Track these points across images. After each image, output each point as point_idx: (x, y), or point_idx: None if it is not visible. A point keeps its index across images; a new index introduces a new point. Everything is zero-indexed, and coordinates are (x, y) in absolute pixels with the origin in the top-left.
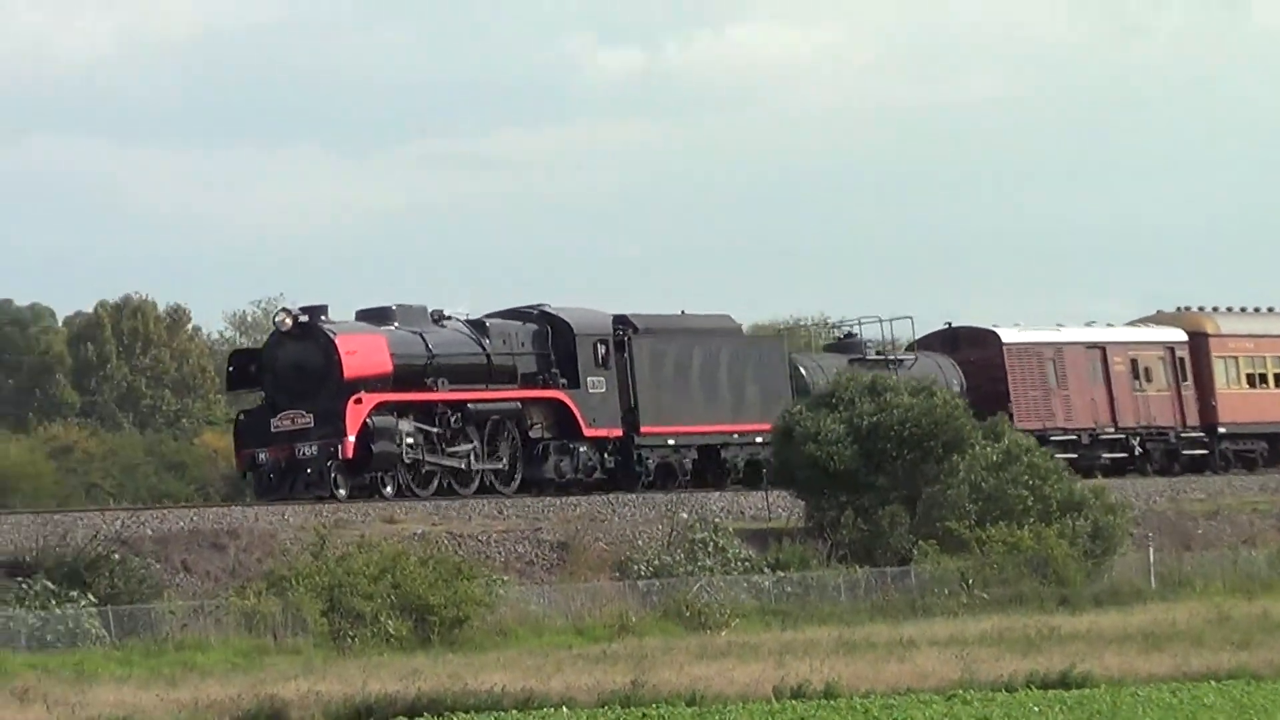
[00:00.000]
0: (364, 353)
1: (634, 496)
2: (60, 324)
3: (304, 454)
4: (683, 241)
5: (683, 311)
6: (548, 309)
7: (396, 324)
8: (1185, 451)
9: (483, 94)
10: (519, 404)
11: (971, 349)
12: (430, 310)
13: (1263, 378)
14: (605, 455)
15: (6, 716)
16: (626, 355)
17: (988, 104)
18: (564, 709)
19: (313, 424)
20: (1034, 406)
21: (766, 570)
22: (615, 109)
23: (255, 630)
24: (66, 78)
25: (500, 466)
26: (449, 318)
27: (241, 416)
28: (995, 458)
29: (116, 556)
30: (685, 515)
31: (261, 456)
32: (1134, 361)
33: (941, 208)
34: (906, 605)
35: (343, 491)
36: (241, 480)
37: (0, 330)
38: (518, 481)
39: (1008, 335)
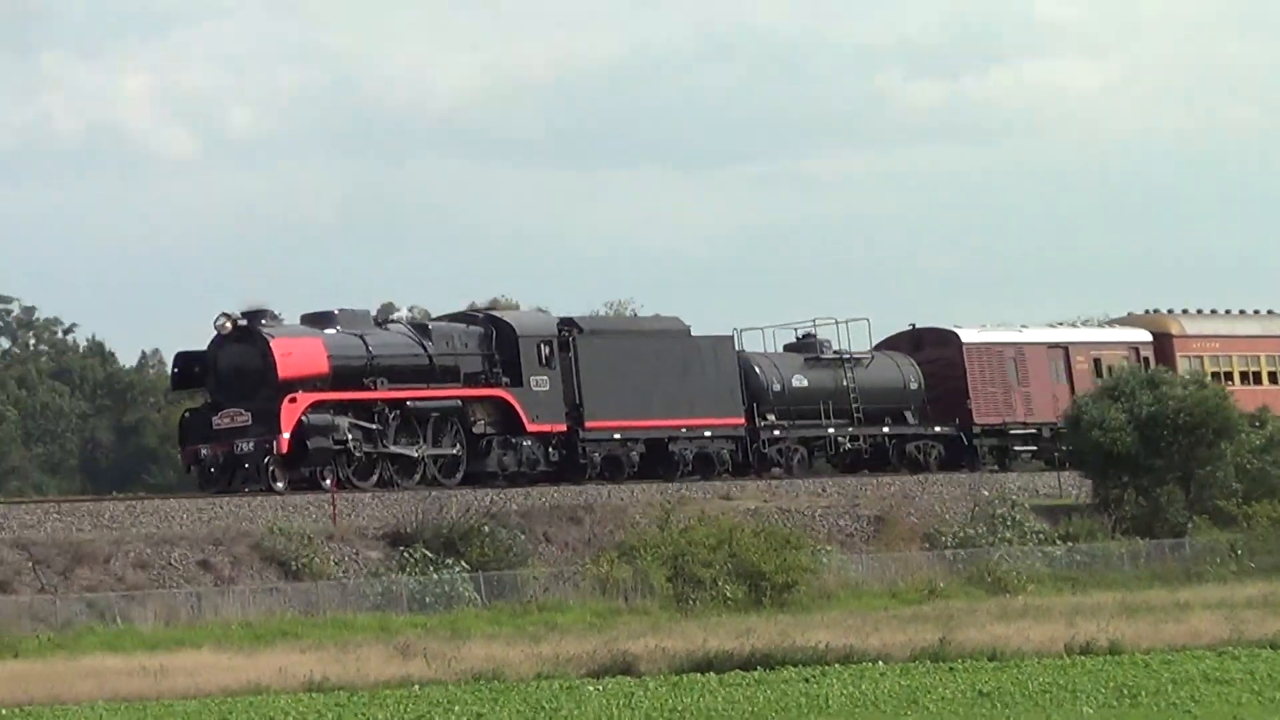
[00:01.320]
0: (299, 354)
1: (940, 476)
2: None
3: (242, 450)
4: (987, 254)
5: (634, 314)
6: (493, 313)
7: (338, 327)
8: None
9: (804, 122)
10: (460, 401)
11: (934, 349)
12: (374, 313)
13: (1229, 375)
14: (550, 449)
15: (392, 669)
16: (571, 355)
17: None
18: (880, 663)
19: (251, 422)
20: (993, 402)
21: (1058, 541)
22: (920, 136)
23: (608, 594)
24: (444, 109)
25: (446, 457)
26: (393, 321)
27: (187, 414)
28: (1259, 442)
29: (487, 529)
30: (987, 493)
31: (203, 452)
32: (1097, 360)
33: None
34: (1182, 572)
35: (280, 485)
36: (185, 474)
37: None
38: (461, 474)
39: (967, 335)
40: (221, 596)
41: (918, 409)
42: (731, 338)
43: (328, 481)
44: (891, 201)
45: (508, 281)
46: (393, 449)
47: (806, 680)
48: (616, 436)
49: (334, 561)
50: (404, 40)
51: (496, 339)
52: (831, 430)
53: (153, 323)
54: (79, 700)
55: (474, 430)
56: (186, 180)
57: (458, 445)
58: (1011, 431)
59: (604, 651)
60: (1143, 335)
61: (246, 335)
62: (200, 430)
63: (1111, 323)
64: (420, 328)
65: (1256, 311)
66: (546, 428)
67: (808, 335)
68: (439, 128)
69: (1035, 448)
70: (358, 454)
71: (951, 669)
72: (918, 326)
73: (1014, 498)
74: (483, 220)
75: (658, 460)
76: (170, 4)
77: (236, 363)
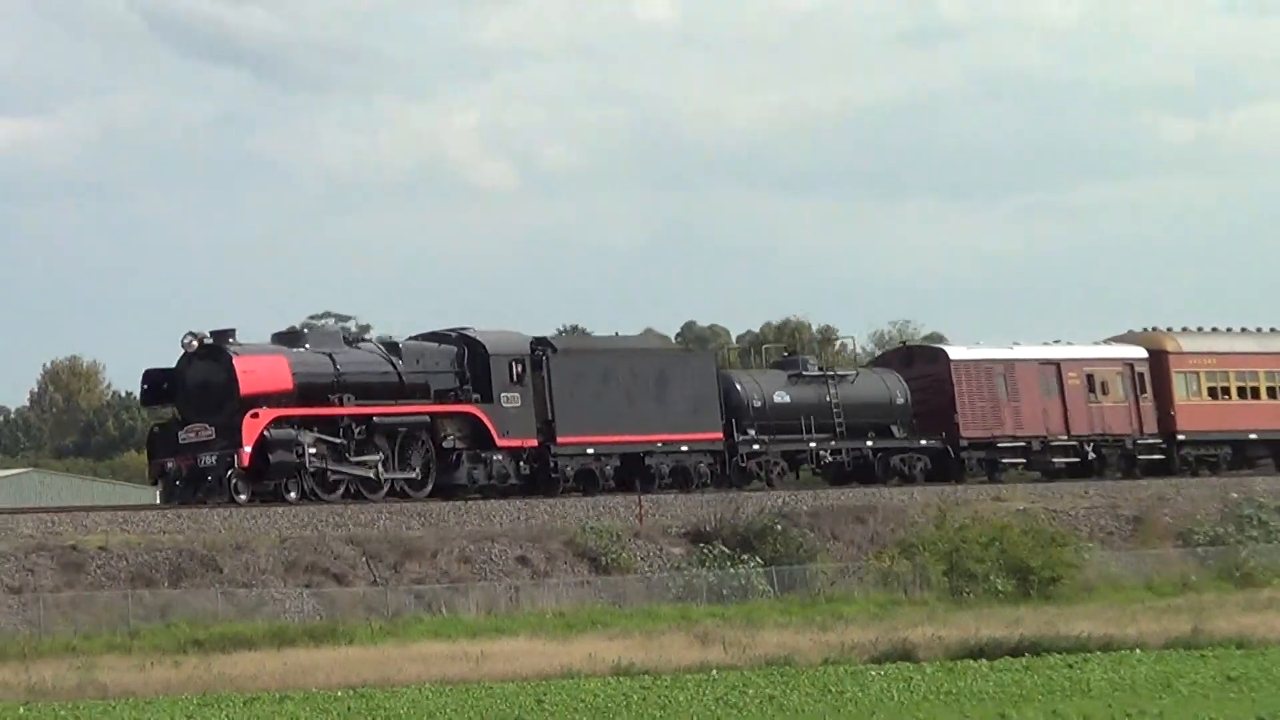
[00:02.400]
0: (262, 372)
1: (1181, 481)
2: (734, 340)
3: (205, 463)
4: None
5: (616, 334)
6: (467, 332)
7: (308, 345)
8: (1142, 456)
9: (1065, 157)
10: (428, 417)
11: (924, 365)
12: (347, 333)
13: (1225, 390)
14: (521, 463)
15: (692, 655)
16: (544, 373)
17: None
18: (1137, 651)
19: (214, 436)
20: (980, 416)
21: None
22: (1173, 169)
23: (889, 587)
24: (738, 144)
25: (411, 475)
26: (365, 340)
27: (156, 429)
28: None
29: (779, 527)
30: (1235, 496)
31: (169, 465)
32: (1090, 376)
33: None
34: None
35: (243, 497)
36: (153, 486)
37: (685, 346)
38: (430, 487)
39: (955, 353)
40: (537, 589)
41: (905, 423)
42: (711, 355)
43: (292, 494)
44: (1135, 230)
45: (799, 302)
46: (353, 466)
47: (1070, 666)
48: (590, 451)
49: (640, 557)
50: (701, 83)
51: (469, 357)
52: (813, 444)
53: None
54: (407, 683)
55: (444, 445)
56: (505, 209)
57: (423, 460)
58: (1000, 445)
59: (885, 639)
60: (1138, 352)
61: (212, 353)
62: (168, 444)
63: (1108, 340)
64: (391, 346)
65: (1259, 329)
66: (517, 443)
67: (791, 353)
68: (734, 161)
69: (1024, 460)
70: (310, 468)
71: (1202, 656)
72: (909, 344)
73: (1261, 499)
74: (776, 245)
75: (634, 474)
76: (494, 51)
77: (202, 379)
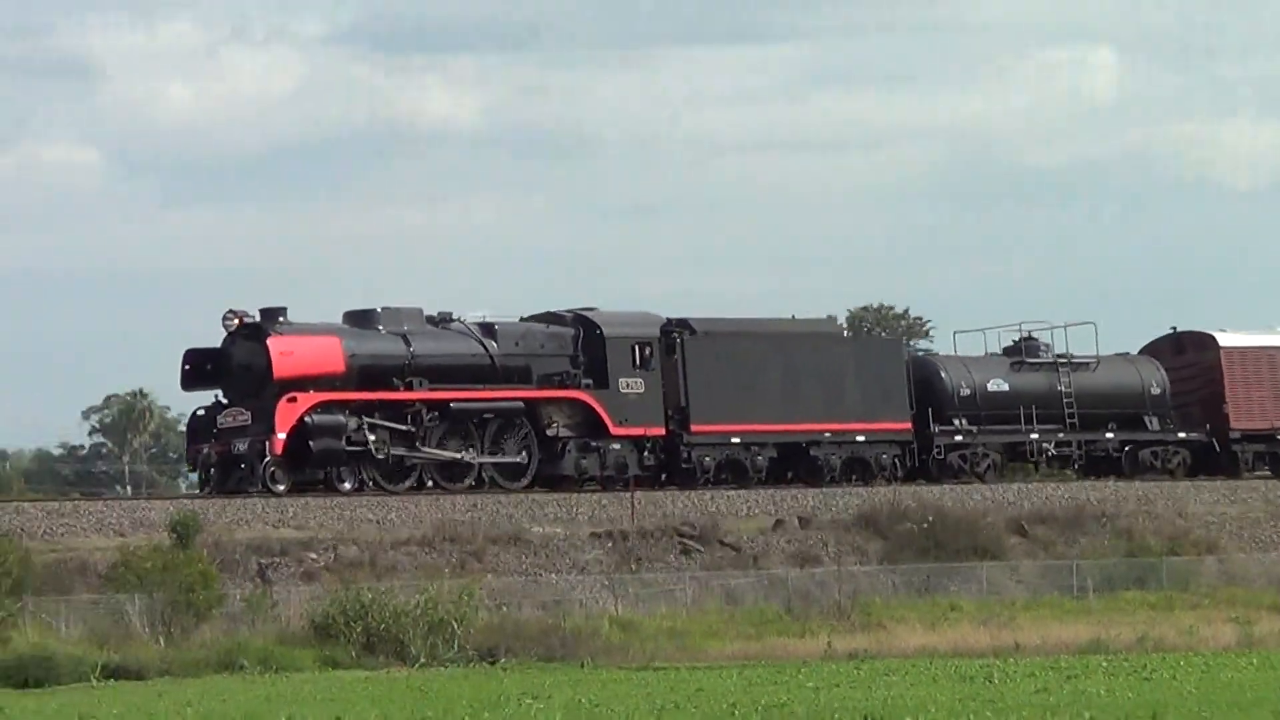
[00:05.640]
0: (302, 354)
1: None
2: None
3: (238, 450)
4: None
5: (793, 316)
6: (584, 313)
7: (380, 326)
8: None
9: None
10: (523, 403)
11: (1194, 354)
12: (434, 314)
13: None
14: (645, 453)
15: None
16: (678, 357)
17: None
18: None
19: (250, 421)
20: (1257, 407)
21: None
22: None
23: None
24: None
25: (505, 460)
26: (456, 321)
27: (200, 412)
28: None
29: None
30: None
31: (204, 450)
32: None
33: None
34: None
35: (281, 487)
36: (191, 472)
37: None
38: (529, 477)
39: (1225, 339)
40: None
41: (1162, 414)
42: (898, 340)
43: (346, 485)
44: None
45: None
46: (425, 454)
47: None
48: (735, 440)
49: None
50: None
51: (583, 340)
52: (1035, 436)
53: None
54: None
55: (547, 433)
56: None
57: (521, 448)
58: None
59: None
60: None
61: (252, 333)
62: (207, 429)
63: None
64: (486, 328)
65: None
66: (638, 431)
67: (1028, 338)
68: None
69: None
70: (380, 456)
71: None
72: (1179, 331)
73: None
74: None
75: (799, 466)
76: None
77: (243, 361)
